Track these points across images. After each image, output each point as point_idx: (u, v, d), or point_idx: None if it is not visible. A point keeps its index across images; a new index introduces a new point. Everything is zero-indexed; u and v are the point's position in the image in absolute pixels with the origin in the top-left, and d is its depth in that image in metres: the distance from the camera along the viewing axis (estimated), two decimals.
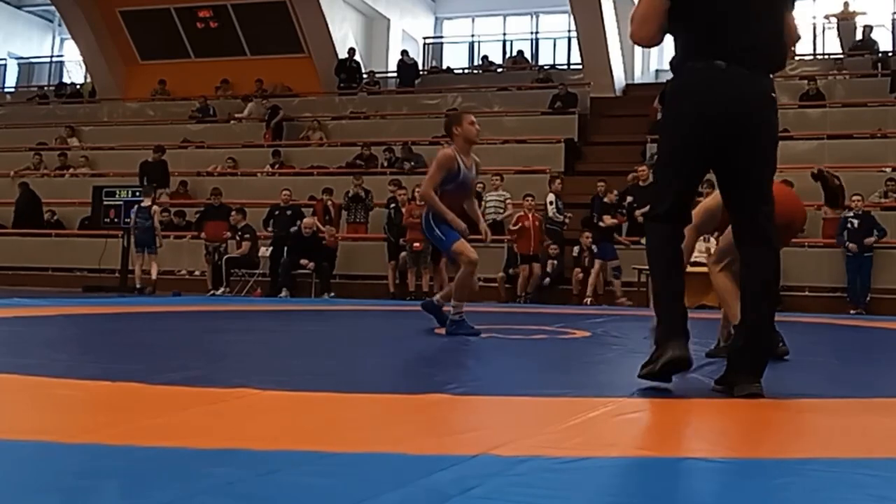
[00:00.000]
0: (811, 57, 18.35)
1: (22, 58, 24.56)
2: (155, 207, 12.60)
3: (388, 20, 20.63)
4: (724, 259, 4.18)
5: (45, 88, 22.21)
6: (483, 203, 13.05)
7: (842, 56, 17.22)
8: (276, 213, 13.30)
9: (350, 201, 13.77)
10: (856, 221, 11.39)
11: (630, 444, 2.35)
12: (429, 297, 9.64)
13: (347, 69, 18.64)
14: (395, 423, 2.50)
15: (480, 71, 20.01)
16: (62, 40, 24.78)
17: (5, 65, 24.20)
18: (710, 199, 4.22)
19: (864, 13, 17.77)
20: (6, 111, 20.91)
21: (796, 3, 3.31)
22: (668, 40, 3.23)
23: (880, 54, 16.92)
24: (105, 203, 12.72)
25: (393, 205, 12.85)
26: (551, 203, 12.85)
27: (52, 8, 21.46)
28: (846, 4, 17.76)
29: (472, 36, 22.25)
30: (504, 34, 22.02)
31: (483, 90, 18.13)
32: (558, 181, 13.19)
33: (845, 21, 17.76)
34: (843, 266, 11.50)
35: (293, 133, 17.77)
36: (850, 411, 2.95)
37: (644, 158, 13.84)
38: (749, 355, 3.00)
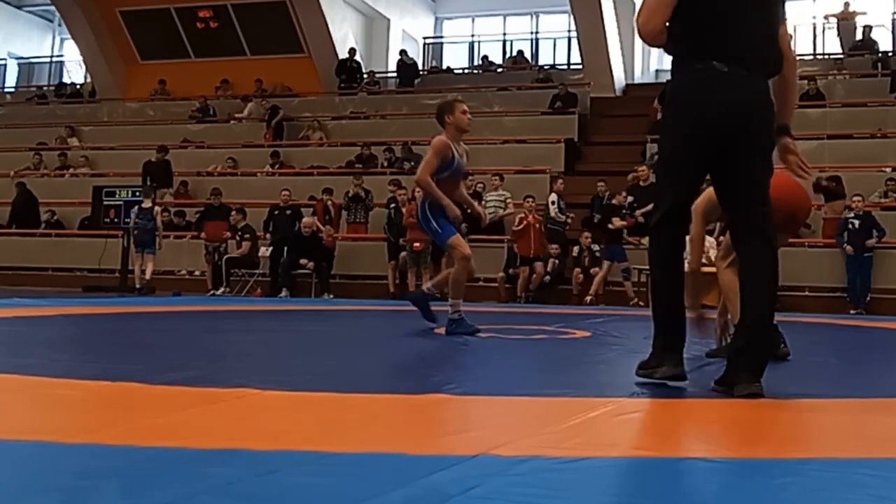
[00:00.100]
0: (811, 57, 18.35)
1: (22, 58, 24.57)
2: (157, 208, 12.60)
3: (388, 20, 20.63)
4: (731, 254, 4.17)
5: (45, 88, 22.22)
6: (483, 203, 13.07)
7: (842, 56, 17.22)
8: (276, 213, 13.31)
9: (350, 201, 13.77)
10: (856, 222, 11.39)
11: (630, 444, 2.35)
12: (439, 297, 9.67)
13: (348, 69, 18.65)
14: (395, 423, 2.50)
15: (480, 71, 20.01)
16: (62, 40, 24.78)
17: (5, 65, 24.21)
18: (712, 188, 4.24)
19: (864, 13, 17.77)
20: (6, 111, 20.91)
21: (788, 15, 3.33)
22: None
23: (880, 54, 16.93)
24: (105, 203, 12.72)
25: (393, 205, 12.85)
26: (553, 203, 12.86)
27: (52, 8, 21.46)
28: (846, 4, 17.76)
29: (472, 36, 22.25)
30: (504, 34, 22.02)
31: (483, 90, 18.12)
32: (560, 181, 13.20)
33: (845, 21, 17.76)
34: (843, 266, 11.51)
35: (293, 133, 17.78)
36: (850, 411, 2.95)
37: (644, 158, 13.84)
38: (749, 355, 3.00)
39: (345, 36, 19.20)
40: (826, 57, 18.05)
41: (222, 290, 12.72)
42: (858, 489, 1.82)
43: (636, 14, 3.21)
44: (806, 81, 15.47)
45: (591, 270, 12.19)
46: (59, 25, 23.60)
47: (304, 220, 12.90)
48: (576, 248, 12.45)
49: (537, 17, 21.71)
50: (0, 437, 2.11)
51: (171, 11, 19.69)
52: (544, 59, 20.55)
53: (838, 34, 17.95)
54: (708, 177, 3.28)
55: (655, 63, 19.09)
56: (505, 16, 22.05)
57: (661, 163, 3.33)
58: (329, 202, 13.72)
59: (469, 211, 6.32)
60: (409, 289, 12.28)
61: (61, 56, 24.94)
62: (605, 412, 2.63)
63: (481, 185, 13.52)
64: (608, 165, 14.55)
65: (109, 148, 17.91)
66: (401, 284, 12.62)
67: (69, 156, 17.56)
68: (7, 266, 14.44)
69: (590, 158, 15.69)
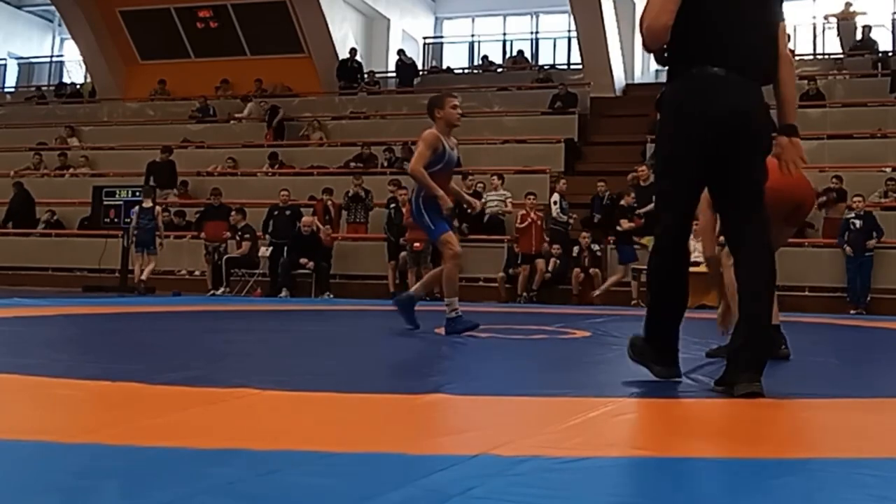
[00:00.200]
0: (811, 57, 18.35)
1: (22, 58, 24.57)
2: (157, 208, 12.60)
3: (388, 20, 20.63)
4: None
5: (45, 88, 22.22)
6: (483, 202, 13.08)
7: (842, 56, 17.23)
8: (276, 213, 13.31)
9: (350, 201, 13.78)
10: (857, 222, 11.39)
11: (630, 444, 2.35)
12: (429, 298, 9.67)
13: (349, 69, 18.65)
14: (395, 423, 2.50)
15: (480, 71, 20.01)
16: (62, 40, 24.79)
17: (5, 65, 24.21)
18: None
19: (864, 13, 17.77)
20: (6, 111, 20.92)
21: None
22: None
23: (880, 54, 16.93)
24: (105, 203, 12.73)
25: (393, 205, 12.85)
26: (555, 203, 12.86)
27: (52, 8, 21.46)
28: (847, 4, 17.76)
29: (472, 36, 22.25)
30: (504, 34, 22.02)
31: (483, 90, 18.13)
32: (563, 181, 13.21)
33: (845, 21, 17.76)
34: (843, 266, 11.51)
35: (293, 133, 17.78)
36: (851, 411, 2.94)
37: (644, 158, 13.84)
38: (748, 354, 3.00)
39: (345, 36, 19.20)
40: (826, 57, 18.06)
41: (222, 290, 12.72)
42: (858, 489, 1.81)
43: (640, 16, 3.21)
44: (806, 81, 15.48)
45: (591, 270, 12.19)
46: (59, 25, 23.61)
47: (304, 219, 12.91)
48: (575, 248, 12.45)
49: (537, 17, 21.72)
50: (0, 437, 2.11)
51: (171, 11, 19.70)
52: (544, 59, 20.56)
53: (838, 34, 17.95)
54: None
55: (655, 63, 19.08)
56: (505, 16, 22.05)
57: (661, 172, 3.32)
58: (329, 202, 13.72)
59: (467, 208, 6.32)
60: (409, 289, 12.27)
61: (61, 56, 24.94)
62: (605, 412, 2.63)
63: (481, 185, 13.53)
64: (608, 165, 14.55)
65: (109, 148, 17.91)
66: (401, 284, 12.60)
67: (69, 156, 17.57)
68: (7, 266, 14.45)
69: (590, 158, 15.69)
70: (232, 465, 1.85)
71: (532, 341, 5.52)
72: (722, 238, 3.54)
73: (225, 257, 12.99)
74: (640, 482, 1.92)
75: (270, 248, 12.99)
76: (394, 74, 19.47)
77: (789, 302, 10.51)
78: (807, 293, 11.42)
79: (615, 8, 17.03)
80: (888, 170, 13.02)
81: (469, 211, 6.31)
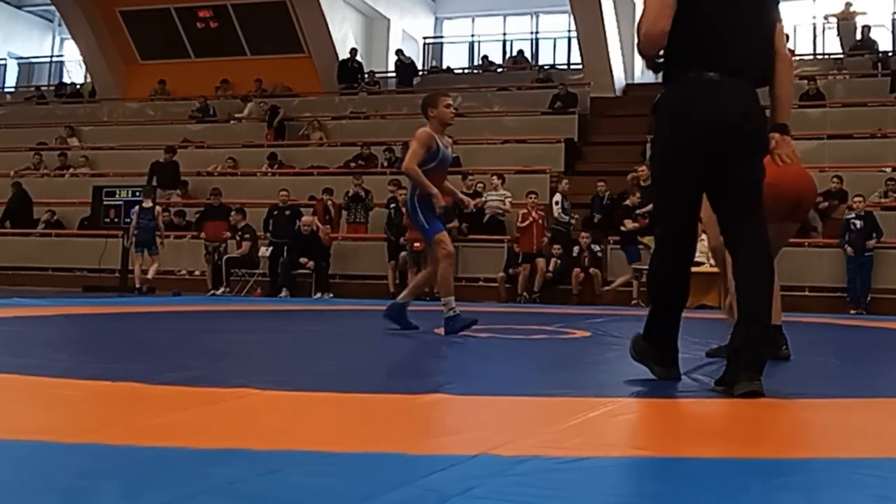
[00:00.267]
0: (811, 57, 18.35)
1: (22, 58, 24.57)
2: (157, 208, 12.61)
3: (388, 20, 20.63)
4: None
5: (45, 88, 22.22)
6: (483, 202, 13.10)
7: (842, 56, 17.22)
8: (275, 213, 13.31)
9: (350, 201, 13.78)
10: (858, 223, 11.39)
11: (630, 444, 2.35)
12: (428, 297, 9.66)
13: (349, 70, 18.65)
14: (395, 423, 2.50)
15: (480, 71, 20.02)
16: (62, 40, 24.79)
17: (5, 65, 24.21)
18: None
19: (864, 13, 17.76)
20: (6, 111, 20.92)
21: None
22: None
23: (880, 54, 16.93)
24: (105, 203, 12.73)
25: (393, 205, 12.85)
26: (557, 203, 12.86)
27: (52, 8, 21.47)
28: (847, 4, 17.76)
29: (472, 36, 22.25)
30: (504, 34, 22.02)
31: (483, 90, 18.14)
32: (565, 182, 13.21)
33: (845, 21, 17.76)
34: (843, 266, 11.51)
35: (293, 133, 17.79)
36: (850, 411, 2.94)
37: (644, 158, 13.83)
38: (748, 354, 3.00)
39: (345, 36, 19.20)
40: (826, 57, 18.06)
41: (222, 290, 12.73)
42: (858, 489, 1.81)
43: (637, 22, 3.21)
44: (806, 81, 15.49)
45: (591, 270, 12.19)
46: (59, 25, 23.61)
47: (304, 218, 12.91)
48: (575, 249, 12.44)
49: (537, 17, 21.72)
50: (0, 437, 2.11)
51: (171, 11, 19.70)
52: (544, 59, 20.56)
53: (838, 34, 17.95)
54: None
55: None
56: (505, 16, 22.05)
57: (658, 175, 3.33)
58: (329, 202, 13.72)
59: (465, 208, 6.35)
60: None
61: (61, 56, 24.94)
62: (605, 412, 2.63)
63: (481, 185, 13.53)
64: (608, 165, 14.55)
65: (109, 148, 17.92)
66: (401, 284, 12.58)
67: (69, 156, 17.57)
68: (7, 266, 14.45)
69: (590, 158, 15.69)
70: (232, 465, 1.85)
71: (532, 341, 5.52)
72: (703, 249, 3.55)
73: (225, 257, 12.99)
74: (640, 482, 1.92)
75: (270, 248, 13.00)
76: (393, 74, 19.48)
77: (789, 302, 10.48)
78: (807, 293, 11.42)
79: (615, 8, 17.03)
80: (888, 170, 13.02)
81: (464, 209, 6.33)
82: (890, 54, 16.98)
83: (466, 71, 20.64)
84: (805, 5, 19.12)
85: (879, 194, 12.52)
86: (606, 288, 11.91)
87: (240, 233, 13.06)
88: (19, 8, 24.32)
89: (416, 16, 21.79)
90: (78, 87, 21.80)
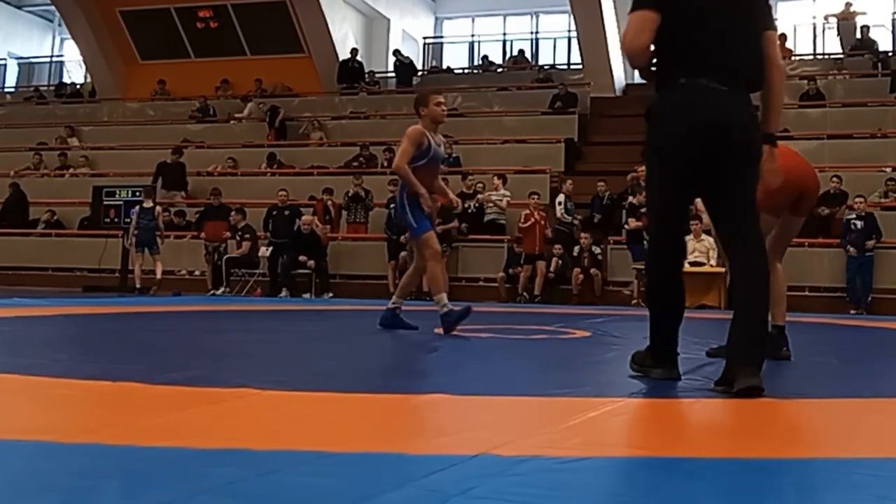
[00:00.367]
0: (811, 57, 18.35)
1: (22, 58, 24.57)
2: (158, 208, 12.61)
3: (388, 20, 20.63)
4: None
5: (45, 88, 22.22)
6: (483, 201, 13.09)
7: (842, 56, 17.22)
8: (275, 213, 13.31)
9: (350, 201, 13.78)
10: (859, 223, 11.39)
11: (630, 444, 2.35)
12: (428, 297, 9.66)
13: (350, 70, 18.65)
14: (394, 423, 2.50)
15: (480, 71, 20.01)
16: (62, 40, 24.79)
17: (5, 65, 24.21)
18: None
19: (864, 13, 17.76)
20: (6, 111, 20.92)
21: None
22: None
23: (880, 54, 16.92)
24: (105, 203, 12.73)
25: (393, 205, 12.84)
26: (560, 204, 12.86)
27: (52, 8, 21.47)
28: (847, 4, 17.76)
29: (472, 36, 22.25)
30: (504, 34, 22.03)
31: (483, 90, 18.14)
32: (569, 182, 13.21)
33: (845, 21, 17.76)
34: (843, 266, 11.51)
35: (294, 133, 17.79)
36: (850, 411, 2.95)
37: (644, 158, 13.85)
38: (747, 350, 3.01)
39: (345, 36, 19.20)
40: (826, 57, 18.05)
41: (222, 290, 12.73)
42: (858, 489, 1.81)
43: (622, 34, 3.24)
44: (806, 81, 15.49)
45: (591, 271, 12.19)
46: (59, 25, 23.61)
47: (303, 217, 12.92)
48: (576, 249, 12.44)
49: (537, 17, 21.72)
50: (0, 437, 2.11)
51: (171, 11, 19.70)
52: (544, 59, 20.56)
53: (838, 34, 17.94)
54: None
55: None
56: (505, 16, 22.06)
57: (649, 180, 3.36)
58: (329, 202, 13.72)
59: (454, 208, 6.38)
60: None
61: (61, 56, 24.94)
62: (605, 412, 2.63)
63: (481, 185, 13.53)
64: (608, 165, 14.55)
65: (109, 148, 17.92)
66: None
67: (69, 156, 17.57)
68: (7, 266, 14.45)
69: (590, 158, 15.69)
70: (232, 465, 1.85)
71: (532, 341, 5.52)
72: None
73: (225, 257, 12.99)
74: (640, 482, 1.91)
75: (270, 248, 13.00)
76: (393, 74, 19.48)
77: (789, 302, 10.46)
78: (807, 293, 11.42)
79: (615, 8, 17.02)
80: (888, 170, 13.03)
81: (453, 209, 6.36)
82: (890, 54, 16.98)
83: (466, 71, 20.64)
84: (805, 5, 19.11)
85: (879, 194, 12.52)
86: (627, 291, 11.87)
87: (240, 233, 13.07)
88: (19, 8, 24.32)
89: (416, 16, 21.79)
90: (78, 87, 21.80)
